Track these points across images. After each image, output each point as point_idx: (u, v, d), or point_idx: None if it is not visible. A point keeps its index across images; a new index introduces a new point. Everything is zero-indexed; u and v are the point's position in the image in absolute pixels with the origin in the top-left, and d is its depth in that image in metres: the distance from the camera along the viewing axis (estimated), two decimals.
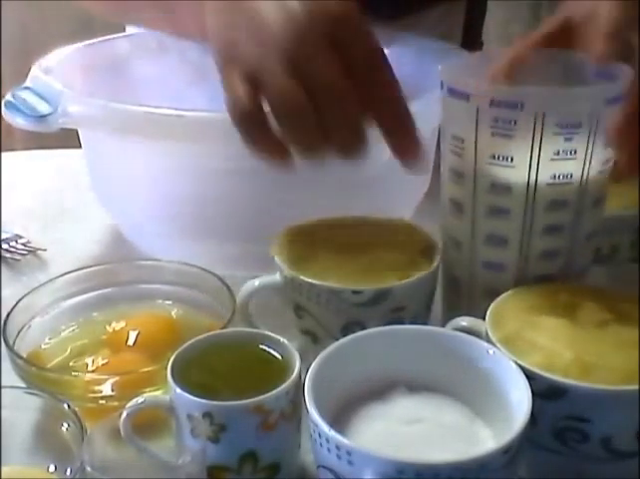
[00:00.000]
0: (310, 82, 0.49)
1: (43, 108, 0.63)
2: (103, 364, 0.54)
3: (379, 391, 0.47)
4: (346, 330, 0.52)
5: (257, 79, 0.51)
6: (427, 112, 0.59)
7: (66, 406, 0.47)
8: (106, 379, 0.50)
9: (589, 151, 0.51)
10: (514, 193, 0.52)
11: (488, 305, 0.50)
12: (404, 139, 0.51)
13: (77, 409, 0.46)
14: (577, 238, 0.53)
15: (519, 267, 0.54)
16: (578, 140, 0.50)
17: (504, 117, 0.50)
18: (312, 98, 0.49)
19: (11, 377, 0.51)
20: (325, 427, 0.40)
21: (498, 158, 0.52)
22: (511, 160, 0.51)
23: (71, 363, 0.55)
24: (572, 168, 0.51)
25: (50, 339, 0.57)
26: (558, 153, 0.50)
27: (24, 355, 0.53)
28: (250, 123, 0.51)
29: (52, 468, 0.47)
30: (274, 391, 0.45)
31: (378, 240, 0.56)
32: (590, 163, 0.51)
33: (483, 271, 0.55)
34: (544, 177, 0.51)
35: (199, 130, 0.60)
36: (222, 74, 0.53)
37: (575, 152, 0.50)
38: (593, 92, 0.51)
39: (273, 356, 0.49)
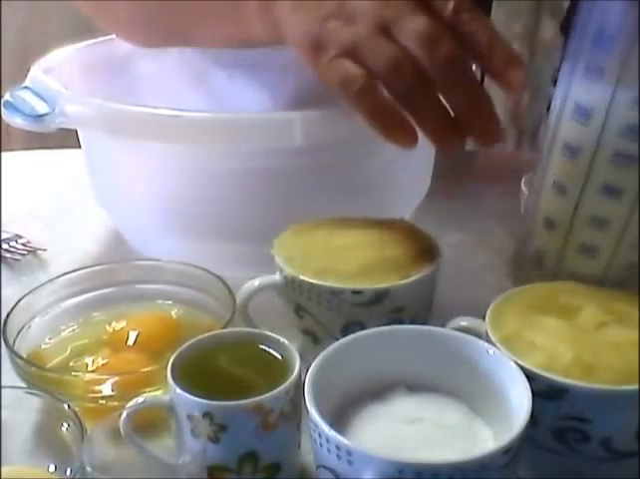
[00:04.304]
0: (410, 41, 0.50)
1: (41, 108, 0.63)
2: (103, 364, 0.54)
3: (379, 391, 0.47)
4: (346, 330, 0.52)
5: (358, 55, 0.51)
6: None
7: (66, 406, 0.47)
8: (106, 379, 0.50)
9: None
10: None
11: None
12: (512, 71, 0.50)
13: (77, 409, 0.46)
14: None
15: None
16: None
17: None
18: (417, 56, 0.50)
19: (11, 377, 0.51)
20: (325, 427, 0.40)
21: None
22: None
23: (71, 363, 0.55)
24: None
25: (50, 339, 0.57)
26: None
27: (24, 355, 0.53)
28: (370, 95, 0.51)
29: (52, 468, 0.47)
30: (274, 391, 0.45)
31: (378, 240, 0.56)
32: None
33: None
34: None
35: (198, 130, 0.60)
36: (318, 64, 0.53)
37: None
38: None
39: (273, 356, 0.49)
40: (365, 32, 0.51)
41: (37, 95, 0.65)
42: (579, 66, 0.53)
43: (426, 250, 0.56)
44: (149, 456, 0.45)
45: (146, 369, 0.50)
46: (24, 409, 0.48)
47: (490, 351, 0.46)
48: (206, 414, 0.44)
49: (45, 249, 0.75)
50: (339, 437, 0.40)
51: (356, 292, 0.52)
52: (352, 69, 0.51)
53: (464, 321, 0.50)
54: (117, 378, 0.50)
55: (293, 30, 0.55)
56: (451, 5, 0.50)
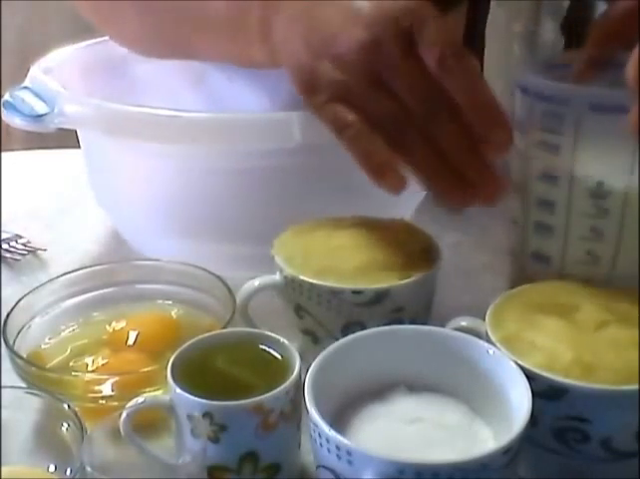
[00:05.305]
0: (399, 89, 0.50)
1: (41, 108, 0.63)
2: (103, 364, 0.54)
3: (379, 391, 0.47)
4: (346, 330, 0.52)
5: (350, 101, 0.51)
6: None
7: (66, 406, 0.47)
8: (106, 379, 0.50)
9: None
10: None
11: None
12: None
13: (77, 409, 0.46)
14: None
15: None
16: None
17: None
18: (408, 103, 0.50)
19: (11, 377, 0.51)
20: (325, 427, 0.40)
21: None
22: None
23: (71, 363, 0.55)
24: None
25: (50, 339, 0.57)
26: None
27: (24, 355, 0.53)
28: (362, 142, 0.52)
29: (52, 468, 0.47)
30: (274, 391, 0.45)
31: (378, 241, 0.56)
32: None
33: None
34: None
35: (196, 130, 0.60)
36: (312, 103, 0.54)
37: None
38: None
39: (273, 356, 0.49)
40: (356, 79, 0.51)
41: (36, 95, 0.65)
42: None
43: (426, 251, 0.56)
44: (149, 456, 0.45)
45: (146, 369, 0.50)
46: (24, 409, 0.48)
47: (490, 351, 0.46)
48: (206, 414, 0.44)
49: (45, 249, 0.75)
50: (339, 437, 0.40)
51: (356, 292, 0.52)
52: (345, 115, 0.52)
53: (464, 321, 0.50)
54: (117, 378, 0.50)
55: (287, 60, 0.56)
56: (437, 51, 0.49)
